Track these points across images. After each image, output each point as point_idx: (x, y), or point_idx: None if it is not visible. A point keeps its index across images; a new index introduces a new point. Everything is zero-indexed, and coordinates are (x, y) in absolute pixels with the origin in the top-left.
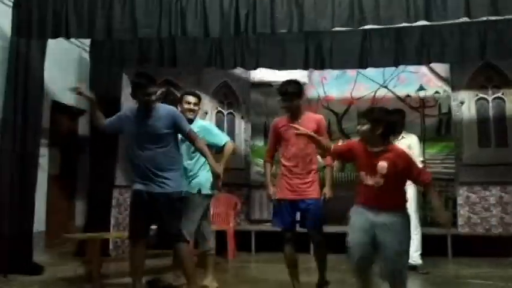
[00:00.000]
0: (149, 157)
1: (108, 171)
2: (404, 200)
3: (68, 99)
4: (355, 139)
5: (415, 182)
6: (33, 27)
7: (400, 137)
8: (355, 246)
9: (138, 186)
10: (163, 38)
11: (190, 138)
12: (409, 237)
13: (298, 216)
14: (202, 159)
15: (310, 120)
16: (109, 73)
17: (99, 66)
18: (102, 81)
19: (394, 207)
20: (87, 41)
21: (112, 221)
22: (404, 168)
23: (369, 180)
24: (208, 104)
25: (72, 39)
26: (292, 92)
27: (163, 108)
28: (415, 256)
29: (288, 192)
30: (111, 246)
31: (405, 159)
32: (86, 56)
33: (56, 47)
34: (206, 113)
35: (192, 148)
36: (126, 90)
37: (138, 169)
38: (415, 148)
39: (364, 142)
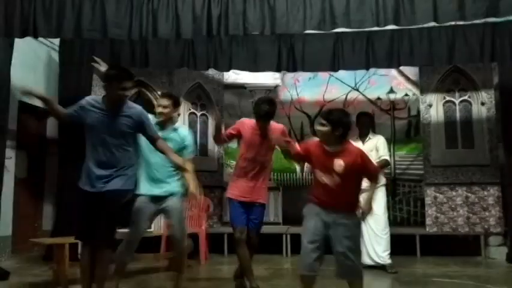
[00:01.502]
0: (108, 152)
1: (77, 174)
2: (357, 200)
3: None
4: (314, 139)
5: (370, 177)
6: (0, 25)
7: (367, 138)
8: (309, 251)
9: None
10: (134, 39)
11: (152, 139)
12: (360, 236)
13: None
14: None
15: (275, 131)
16: (78, 74)
17: (69, 67)
18: (72, 81)
19: (349, 207)
20: (57, 41)
21: None
22: (360, 166)
23: (326, 179)
24: (181, 106)
25: (41, 39)
26: (271, 112)
27: (134, 108)
28: (384, 255)
29: (238, 194)
30: (80, 250)
31: (361, 157)
32: (55, 56)
33: (24, 46)
34: (179, 115)
35: None
36: (97, 91)
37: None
38: (380, 148)
39: (322, 142)
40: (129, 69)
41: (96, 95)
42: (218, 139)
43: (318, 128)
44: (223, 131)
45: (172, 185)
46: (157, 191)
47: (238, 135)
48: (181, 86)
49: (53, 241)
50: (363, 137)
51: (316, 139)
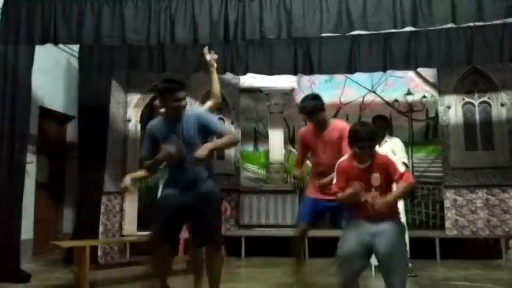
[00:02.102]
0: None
1: (97, 177)
2: (397, 207)
3: (56, 105)
4: (340, 161)
5: (400, 182)
6: (21, 33)
7: (383, 141)
8: (350, 260)
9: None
10: (152, 45)
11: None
12: (406, 243)
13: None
14: None
15: (334, 129)
16: (98, 79)
17: (88, 73)
18: (91, 87)
19: (391, 215)
20: (76, 47)
21: (101, 228)
22: (391, 172)
23: (366, 196)
24: (198, 109)
25: (61, 45)
26: (313, 108)
27: (191, 112)
28: None
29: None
30: (99, 253)
31: (389, 162)
32: (75, 62)
33: (44, 52)
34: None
35: None
36: (116, 96)
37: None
38: (397, 151)
39: (353, 160)
40: (178, 79)
41: (116, 103)
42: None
43: (361, 151)
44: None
45: None
46: None
47: (306, 148)
48: (198, 90)
49: (74, 244)
50: (378, 140)
51: (344, 158)
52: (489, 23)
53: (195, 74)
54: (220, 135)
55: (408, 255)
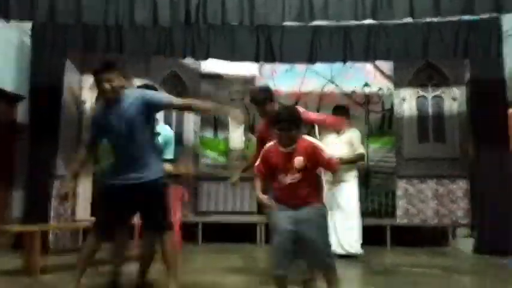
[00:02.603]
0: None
1: (49, 160)
2: (321, 192)
3: (6, 85)
4: (267, 145)
5: (327, 167)
6: None
7: (342, 131)
8: (281, 251)
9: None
10: (110, 25)
11: (171, 106)
12: (327, 227)
13: None
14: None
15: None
16: (51, 59)
17: (41, 52)
18: (44, 67)
19: (314, 200)
20: (28, 25)
21: (52, 213)
22: (316, 157)
23: (287, 179)
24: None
25: (12, 22)
26: (263, 98)
27: (131, 94)
28: (355, 245)
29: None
30: (51, 239)
31: (314, 148)
32: (27, 40)
33: None
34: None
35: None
36: (70, 77)
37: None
38: (355, 142)
39: (279, 145)
40: (108, 60)
41: (69, 82)
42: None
43: (280, 132)
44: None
45: None
46: None
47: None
48: (157, 74)
49: (24, 229)
50: (337, 130)
51: (271, 143)
52: (445, 19)
53: (154, 57)
54: (168, 104)
55: (360, 241)
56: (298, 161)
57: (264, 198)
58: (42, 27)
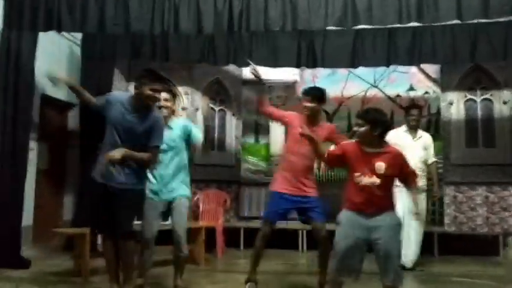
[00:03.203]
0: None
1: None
2: (393, 201)
3: (58, 93)
4: (348, 140)
5: (404, 182)
6: (25, 19)
7: (418, 135)
8: (348, 254)
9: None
10: (156, 34)
11: (153, 152)
12: (400, 237)
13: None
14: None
15: (323, 130)
16: (100, 68)
17: (90, 61)
18: (94, 75)
19: (388, 208)
20: (79, 35)
21: None
22: (399, 169)
23: (365, 181)
24: (199, 100)
25: (63, 33)
26: (321, 95)
27: (156, 117)
28: (411, 258)
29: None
30: (99, 241)
31: (402, 159)
32: (77, 50)
33: (46, 40)
34: (197, 110)
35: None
36: (118, 85)
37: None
38: (431, 148)
39: (360, 143)
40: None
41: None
42: (261, 106)
43: (355, 128)
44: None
45: None
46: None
47: (286, 123)
48: (200, 81)
49: (74, 231)
50: (413, 133)
51: (353, 141)
52: (494, 20)
53: (198, 65)
54: (149, 148)
55: (418, 249)
56: (380, 166)
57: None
58: (91, 37)
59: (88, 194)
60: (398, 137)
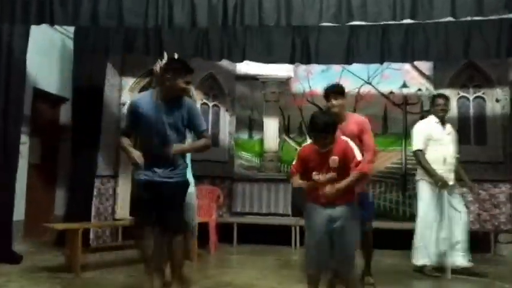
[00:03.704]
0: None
1: (90, 160)
2: (354, 192)
3: (50, 86)
4: (304, 144)
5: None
6: (17, 12)
7: (448, 128)
8: (317, 250)
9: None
10: (150, 27)
11: (202, 136)
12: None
13: None
14: None
15: (352, 122)
16: (92, 61)
17: (83, 54)
18: (86, 69)
19: (348, 199)
20: (71, 28)
21: (93, 211)
22: (349, 157)
23: (323, 177)
24: (193, 95)
25: (56, 26)
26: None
27: (189, 103)
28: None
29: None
30: (91, 236)
31: (348, 148)
32: (69, 43)
33: (38, 33)
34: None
35: None
36: (111, 79)
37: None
38: (457, 142)
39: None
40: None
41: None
42: None
43: (315, 141)
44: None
45: None
46: None
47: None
48: (194, 75)
49: (66, 226)
50: (442, 125)
51: (307, 143)
52: (487, 17)
53: (192, 59)
54: (200, 134)
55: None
56: (333, 160)
57: (302, 183)
58: (84, 30)
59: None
60: (431, 129)
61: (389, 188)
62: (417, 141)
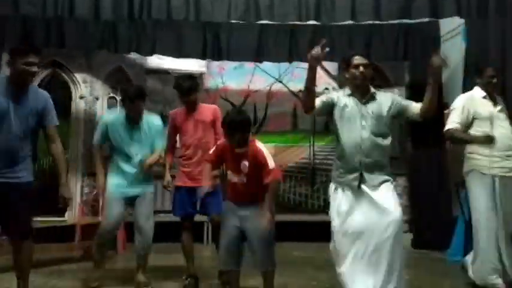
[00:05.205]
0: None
1: None
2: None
3: None
4: (224, 140)
5: (265, 177)
6: None
7: (499, 104)
8: (228, 247)
9: None
10: (50, 18)
11: (49, 134)
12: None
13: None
14: None
15: (205, 111)
16: None
17: None
18: None
19: (259, 200)
20: None
21: None
22: (260, 164)
23: (235, 178)
24: (100, 89)
25: None
26: (189, 87)
27: (38, 90)
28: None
29: (186, 180)
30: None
31: (261, 157)
32: None
33: None
34: (97, 99)
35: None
36: (7, 71)
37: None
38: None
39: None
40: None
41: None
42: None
43: (229, 141)
44: None
45: None
46: None
47: (176, 129)
48: (100, 69)
49: None
50: (493, 99)
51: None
52: (386, 22)
53: (97, 52)
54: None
55: None
56: (244, 166)
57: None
58: None
59: None
60: (476, 106)
61: (298, 182)
62: (450, 119)
